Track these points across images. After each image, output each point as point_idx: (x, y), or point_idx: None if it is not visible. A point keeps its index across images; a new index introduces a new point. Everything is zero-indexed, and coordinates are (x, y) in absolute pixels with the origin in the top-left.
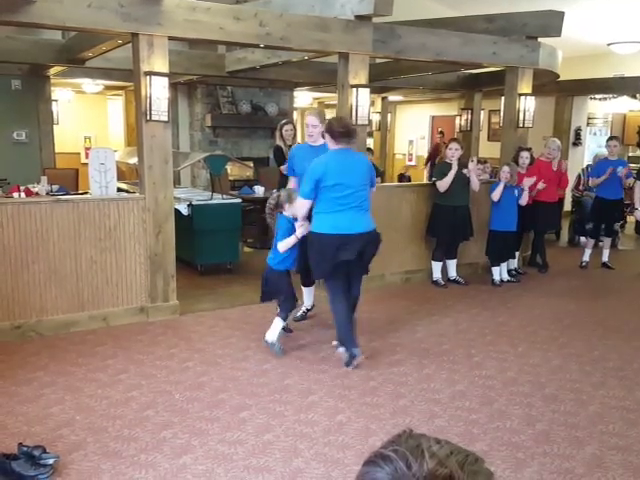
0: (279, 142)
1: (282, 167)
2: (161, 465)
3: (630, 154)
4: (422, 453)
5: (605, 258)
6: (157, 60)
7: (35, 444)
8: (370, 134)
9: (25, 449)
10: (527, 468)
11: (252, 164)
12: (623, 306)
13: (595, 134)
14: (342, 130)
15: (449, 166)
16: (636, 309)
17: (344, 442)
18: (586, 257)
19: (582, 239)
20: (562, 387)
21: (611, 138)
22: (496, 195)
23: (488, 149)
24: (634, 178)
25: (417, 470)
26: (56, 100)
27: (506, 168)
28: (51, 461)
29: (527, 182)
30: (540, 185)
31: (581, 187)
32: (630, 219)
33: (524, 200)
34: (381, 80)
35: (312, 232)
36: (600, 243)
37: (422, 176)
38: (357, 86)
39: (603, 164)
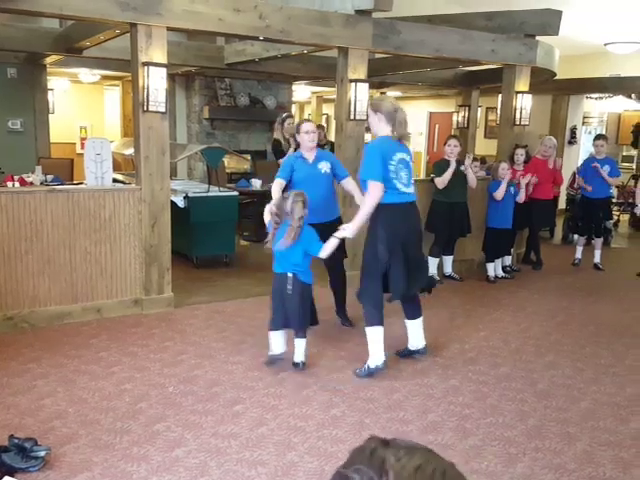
0: (278, 135)
1: (280, 161)
2: (154, 458)
3: (624, 153)
4: (386, 472)
5: (597, 259)
6: (155, 51)
7: (26, 436)
8: (368, 129)
9: (16, 441)
10: (519, 463)
11: (249, 157)
12: (615, 303)
13: (590, 133)
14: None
15: (448, 163)
16: (628, 307)
17: (338, 436)
18: (579, 255)
19: (576, 237)
20: (554, 383)
21: (598, 137)
22: (499, 194)
23: (485, 146)
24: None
25: None
26: (52, 89)
27: (505, 165)
28: (42, 453)
29: (524, 180)
30: (532, 179)
31: (575, 185)
32: (623, 217)
33: (522, 197)
34: (380, 75)
35: None
36: (592, 241)
37: (420, 172)
38: (356, 81)
39: (590, 163)
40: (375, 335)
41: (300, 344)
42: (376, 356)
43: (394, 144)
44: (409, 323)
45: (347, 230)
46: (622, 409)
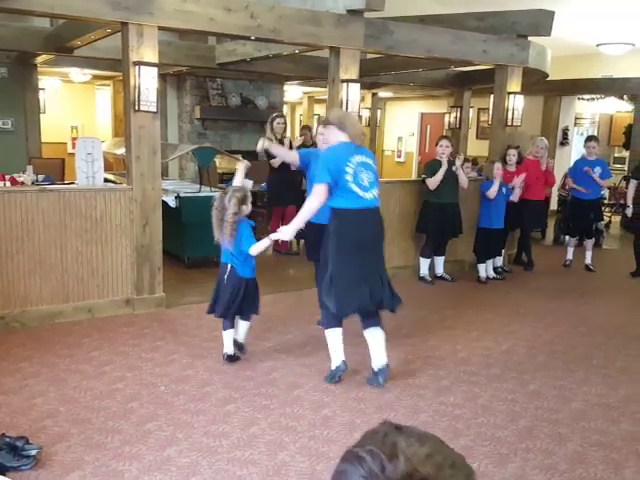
0: (269, 135)
1: (272, 161)
2: (145, 457)
3: (616, 155)
4: (397, 455)
5: (588, 260)
6: (146, 50)
7: (18, 435)
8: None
9: (8, 440)
10: (510, 463)
11: (241, 157)
12: (607, 305)
13: (582, 134)
14: None
15: (439, 163)
16: (619, 308)
17: (329, 436)
18: (570, 256)
19: (567, 238)
20: (546, 384)
21: (589, 138)
22: (492, 193)
23: (477, 147)
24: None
25: (391, 473)
26: (43, 89)
27: (499, 164)
28: (34, 452)
29: (518, 180)
30: (520, 178)
31: (567, 187)
32: (614, 219)
33: (516, 196)
34: (371, 76)
35: None
36: (584, 242)
37: (411, 173)
38: (348, 81)
39: (581, 164)
40: (333, 337)
41: (242, 325)
42: (335, 358)
43: (351, 147)
44: (367, 333)
45: (283, 232)
46: (613, 410)
